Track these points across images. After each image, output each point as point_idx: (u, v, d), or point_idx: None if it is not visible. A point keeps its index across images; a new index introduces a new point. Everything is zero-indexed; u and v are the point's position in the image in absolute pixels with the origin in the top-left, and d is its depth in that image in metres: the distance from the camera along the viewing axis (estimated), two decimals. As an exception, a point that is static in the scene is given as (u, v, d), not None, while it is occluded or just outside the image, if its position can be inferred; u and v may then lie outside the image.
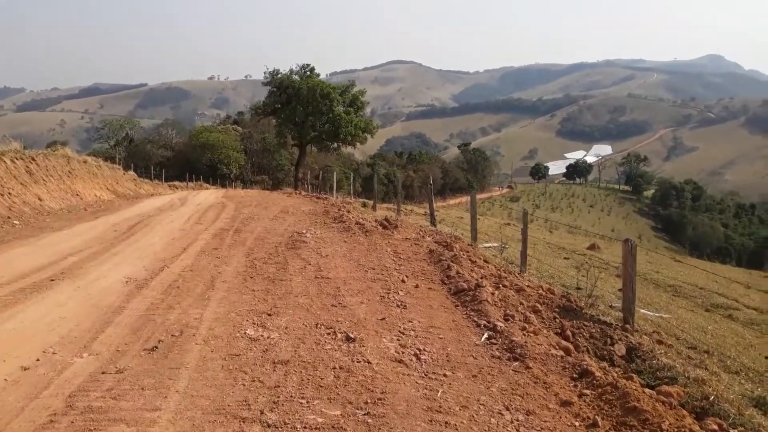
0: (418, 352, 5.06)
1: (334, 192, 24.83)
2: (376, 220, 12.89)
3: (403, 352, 5.00)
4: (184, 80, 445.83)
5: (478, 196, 75.27)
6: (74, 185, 18.99)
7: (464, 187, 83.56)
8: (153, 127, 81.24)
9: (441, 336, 5.56)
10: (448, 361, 4.92)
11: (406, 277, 7.80)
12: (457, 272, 7.97)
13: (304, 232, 11.01)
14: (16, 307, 5.76)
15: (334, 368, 4.49)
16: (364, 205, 21.39)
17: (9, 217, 12.97)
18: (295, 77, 40.16)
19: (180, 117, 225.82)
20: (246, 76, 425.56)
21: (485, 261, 9.54)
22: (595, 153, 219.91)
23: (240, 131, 56.67)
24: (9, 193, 14.34)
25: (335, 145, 41.97)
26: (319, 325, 5.53)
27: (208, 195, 22.99)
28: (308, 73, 40.76)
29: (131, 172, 32.12)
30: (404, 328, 5.65)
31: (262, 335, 5.20)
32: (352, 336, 5.25)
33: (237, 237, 10.64)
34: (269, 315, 5.80)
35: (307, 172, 38.03)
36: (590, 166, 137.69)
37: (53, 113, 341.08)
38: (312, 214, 14.41)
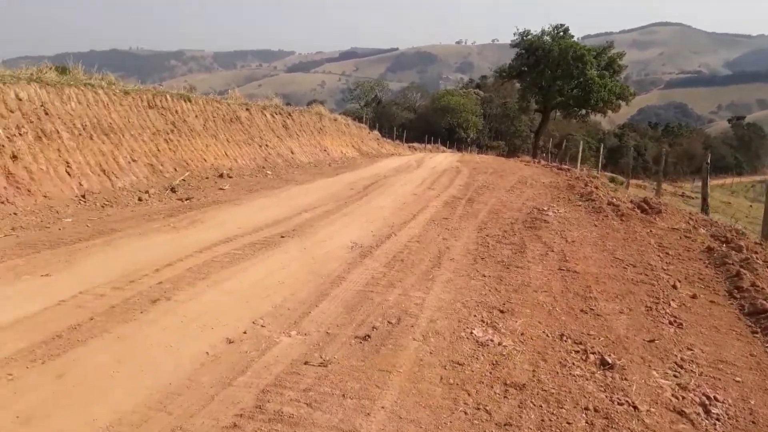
0: (706, 402, 3.56)
1: (578, 163, 22.56)
2: (631, 201, 10.94)
3: (683, 398, 3.55)
4: (432, 45, 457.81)
5: (747, 178, 63.94)
6: (323, 141, 20.06)
7: (730, 167, 72.05)
8: (399, 89, 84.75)
9: (737, 378, 3.94)
10: (753, 422, 3.36)
11: (678, 281, 6.08)
12: (753, 284, 5.97)
13: (545, 209, 9.67)
14: (241, 264, 5.62)
15: (586, 409, 3.29)
16: (613, 180, 19.07)
17: (263, 167, 13.92)
18: (547, 38, 37.72)
19: (425, 81, 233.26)
20: (493, 40, 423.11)
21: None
22: None
23: (481, 95, 56.00)
24: (267, 145, 15.47)
25: (583, 111, 38.76)
26: (564, 337, 4.32)
27: (444, 158, 22.69)
28: (561, 34, 37.94)
29: (375, 132, 33.52)
30: (682, 359, 4.14)
31: (491, 339, 4.19)
32: (609, 361, 3.94)
33: (469, 208, 9.76)
34: (501, 312, 4.76)
35: (547, 140, 35.78)
36: None
37: (315, 75, 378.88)
38: (553, 188, 12.90)
